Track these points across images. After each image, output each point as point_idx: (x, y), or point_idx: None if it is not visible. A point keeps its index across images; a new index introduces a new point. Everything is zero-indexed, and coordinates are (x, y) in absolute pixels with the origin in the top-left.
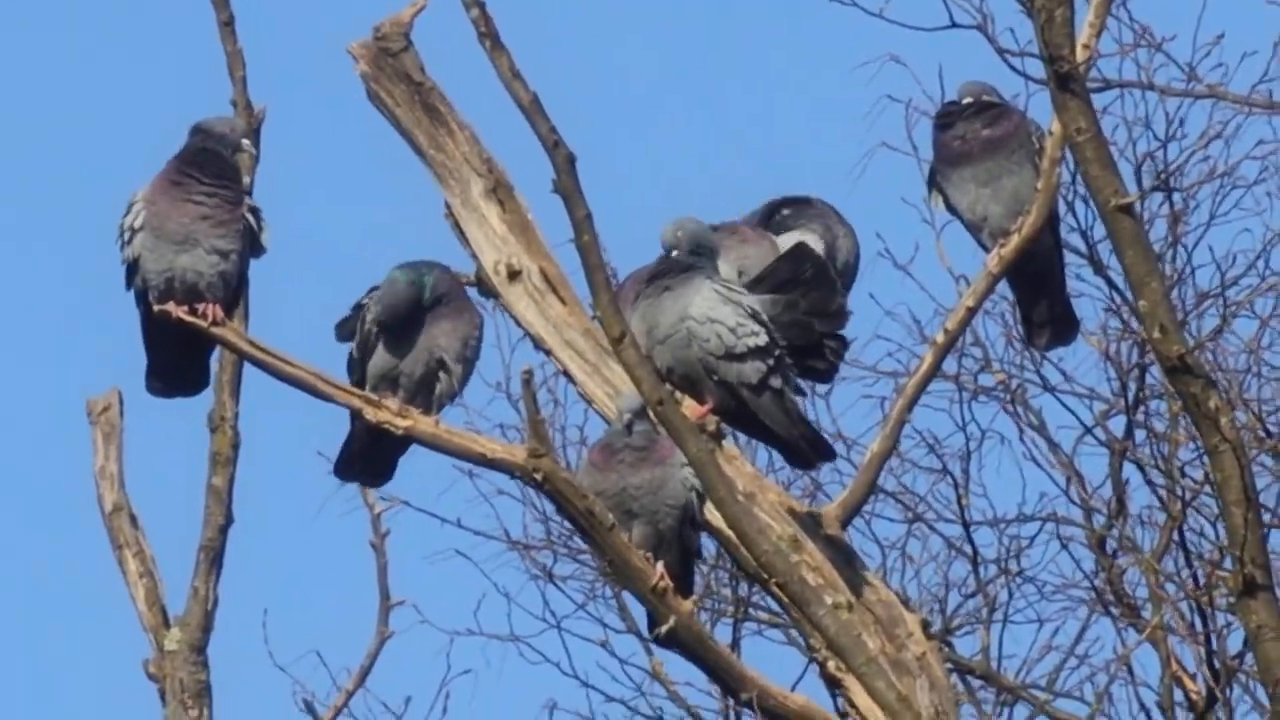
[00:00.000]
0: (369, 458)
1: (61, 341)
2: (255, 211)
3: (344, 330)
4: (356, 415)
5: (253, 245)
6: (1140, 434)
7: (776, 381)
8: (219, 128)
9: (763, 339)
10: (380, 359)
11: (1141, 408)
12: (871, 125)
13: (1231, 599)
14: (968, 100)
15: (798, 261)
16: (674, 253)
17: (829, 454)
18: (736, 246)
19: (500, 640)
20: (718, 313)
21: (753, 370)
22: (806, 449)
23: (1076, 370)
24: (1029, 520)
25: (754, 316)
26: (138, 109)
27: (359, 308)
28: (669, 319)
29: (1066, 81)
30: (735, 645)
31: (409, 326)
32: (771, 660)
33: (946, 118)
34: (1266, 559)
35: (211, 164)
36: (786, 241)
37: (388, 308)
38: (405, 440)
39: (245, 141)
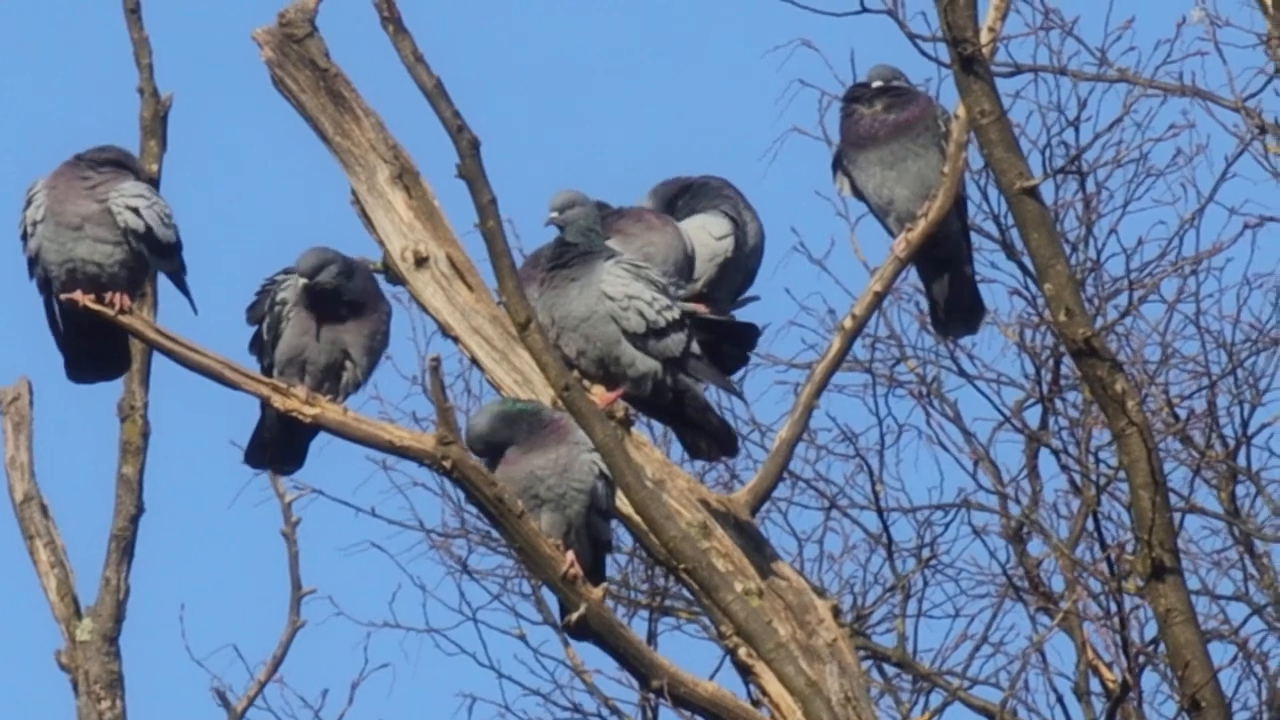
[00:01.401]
0: (279, 444)
1: None
2: (134, 209)
3: (254, 314)
4: (265, 403)
5: (151, 241)
6: (1057, 421)
7: (696, 347)
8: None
9: (675, 311)
10: (287, 343)
11: (1058, 395)
12: (784, 110)
13: (1140, 583)
14: (876, 83)
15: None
16: (562, 232)
17: (732, 446)
18: (642, 233)
19: (416, 632)
20: (633, 289)
21: (675, 342)
22: (720, 427)
23: (994, 360)
24: (944, 508)
25: (664, 290)
26: (41, 98)
27: (265, 290)
28: (583, 303)
29: (970, 64)
30: (651, 638)
31: (319, 316)
32: (689, 654)
33: (853, 100)
34: (1174, 542)
35: (109, 161)
36: (695, 225)
37: (309, 266)
38: (313, 428)
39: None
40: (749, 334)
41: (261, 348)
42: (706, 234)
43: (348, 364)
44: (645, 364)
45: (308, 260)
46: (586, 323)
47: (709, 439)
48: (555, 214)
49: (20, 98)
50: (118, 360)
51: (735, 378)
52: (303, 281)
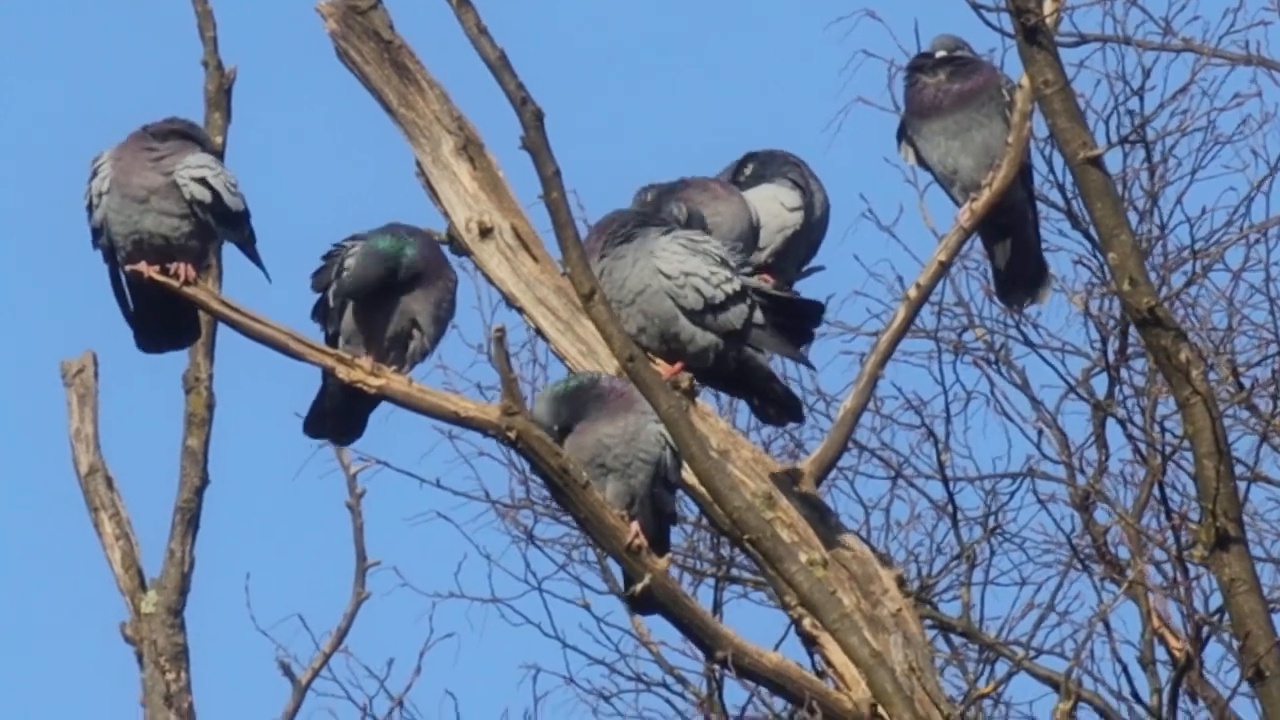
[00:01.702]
0: (340, 415)
1: (34, 303)
2: (201, 180)
3: (319, 281)
4: (329, 374)
5: (219, 211)
6: (1123, 391)
7: (759, 318)
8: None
9: (736, 284)
10: (353, 313)
11: (1124, 364)
12: (848, 81)
13: (1205, 553)
14: (940, 53)
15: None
16: None
17: (798, 413)
18: (708, 203)
19: (481, 602)
20: (690, 265)
21: (736, 315)
22: (785, 395)
23: (1061, 329)
24: (1010, 477)
25: (723, 263)
26: (106, 70)
27: (332, 255)
28: (638, 278)
29: (1033, 34)
30: (717, 608)
31: (382, 295)
32: (755, 623)
33: (917, 70)
34: (1239, 512)
35: (175, 133)
36: (765, 195)
37: (359, 280)
38: (376, 398)
39: None
40: (814, 310)
41: (326, 315)
42: (778, 204)
43: (415, 333)
44: (705, 339)
45: (358, 275)
46: (642, 297)
47: (776, 406)
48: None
49: (86, 71)
50: (188, 330)
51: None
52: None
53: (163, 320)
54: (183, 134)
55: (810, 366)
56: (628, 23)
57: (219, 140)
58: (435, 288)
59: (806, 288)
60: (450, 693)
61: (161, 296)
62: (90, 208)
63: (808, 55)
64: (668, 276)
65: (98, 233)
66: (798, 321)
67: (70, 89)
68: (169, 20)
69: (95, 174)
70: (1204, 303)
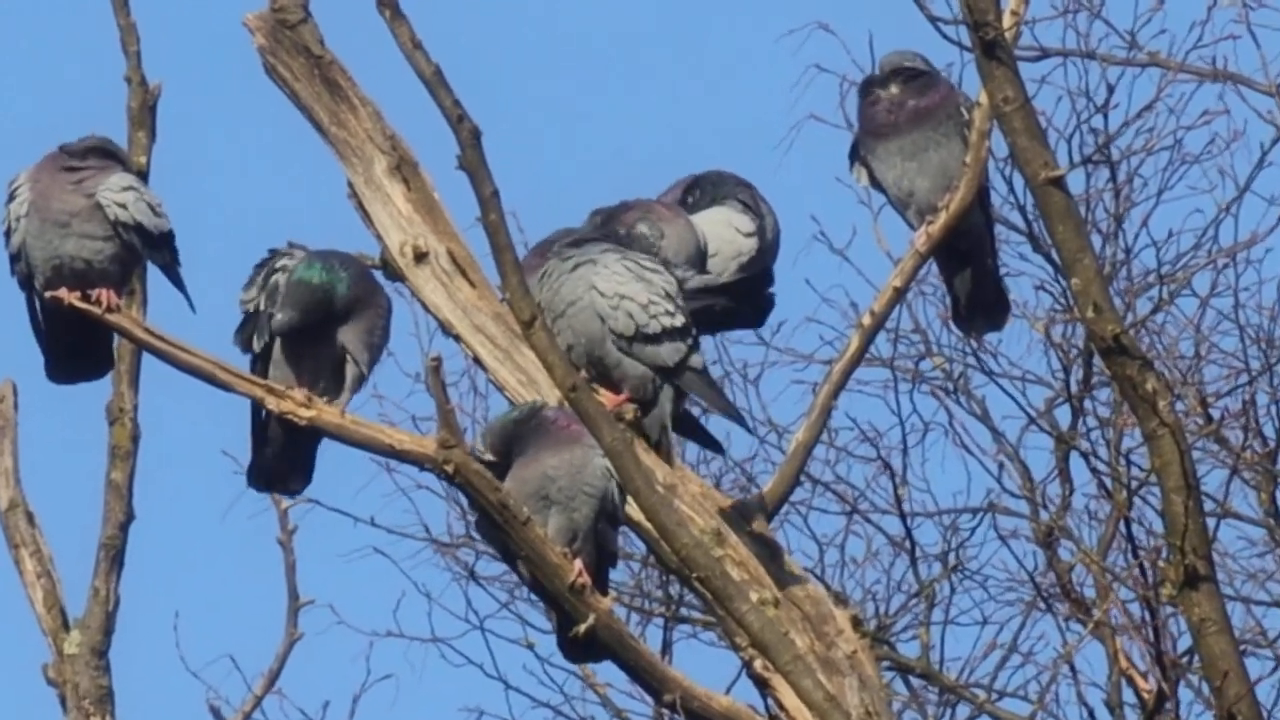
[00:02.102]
0: (282, 458)
1: None
2: (123, 204)
3: (243, 337)
4: (259, 405)
5: (143, 234)
6: (1087, 422)
7: (697, 361)
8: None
9: (679, 320)
10: (281, 347)
11: (1088, 394)
12: (800, 97)
13: (1174, 591)
14: (892, 69)
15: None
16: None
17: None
18: (655, 223)
19: (421, 642)
20: (628, 289)
21: (670, 351)
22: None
23: (1022, 357)
24: (970, 512)
25: (668, 296)
26: (23, 87)
27: (263, 265)
28: (571, 290)
29: (992, 49)
30: (666, 648)
31: (316, 329)
32: (705, 664)
33: (871, 86)
34: (1209, 549)
35: (95, 150)
36: (717, 219)
37: (290, 321)
38: (317, 436)
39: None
40: (762, 285)
41: (250, 337)
42: (732, 229)
43: (348, 362)
44: (633, 368)
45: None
46: (573, 309)
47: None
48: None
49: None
50: (100, 360)
51: (752, 377)
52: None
53: (78, 350)
54: (103, 152)
55: (743, 425)
56: (570, 32)
57: (142, 160)
58: (368, 315)
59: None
60: None
61: (80, 325)
62: (7, 233)
63: (758, 69)
64: (601, 294)
65: (15, 259)
66: (748, 304)
67: None
68: (89, 34)
69: (12, 197)
70: (1171, 330)
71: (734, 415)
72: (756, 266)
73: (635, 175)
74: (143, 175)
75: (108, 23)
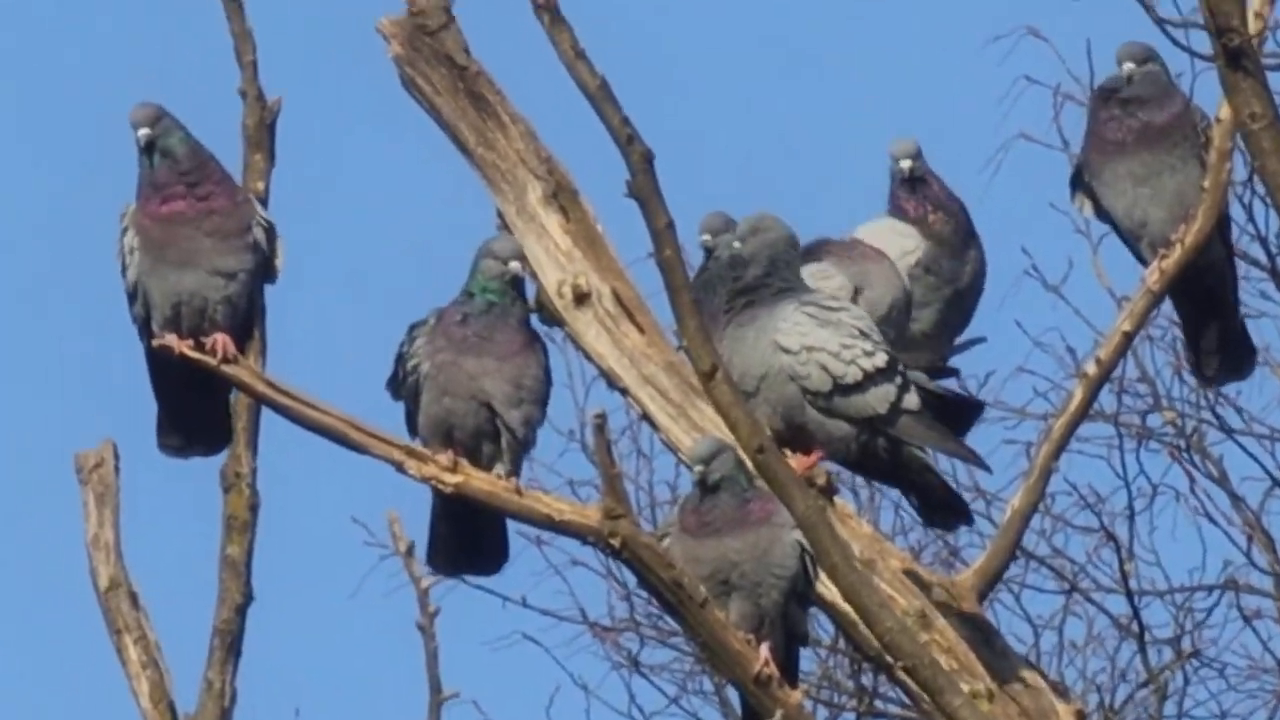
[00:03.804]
0: (461, 535)
1: (46, 385)
2: (268, 229)
3: (397, 387)
4: (398, 469)
5: (264, 271)
6: None
7: (912, 402)
8: (499, 249)
9: (880, 358)
10: (427, 413)
11: None
12: (1008, 112)
13: None
14: (1127, 66)
15: None
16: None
17: (965, 513)
18: (857, 260)
19: None
20: (814, 338)
21: (878, 398)
22: (944, 492)
23: (1265, 411)
24: (1206, 590)
25: (863, 334)
26: (125, 103)
27: (400, 358)
28: (759, 358)
29: (1237, 58)
30: None
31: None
32: None
33: (1102, 99)
34: None
35: (203, 168)
36: (877, 224)
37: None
38: (499, 510)
39: (514, 264)
40: (970, 414)
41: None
42: (895, 233)
43: (498, 423)
44: (840, 429)
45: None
46: (765, 383)
47: (936, 505)
48: (738, 243)
49: (103, 109)
50: (214, 432)
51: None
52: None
53: (189, 416)
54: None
55: (984, 467)
56: (753, 41)
57: (260, 185)
58: (513, 363)
59: (963, 363)
60: None
61: (192, 384)
62: (124, 269)
63: (960, 81)
64: (786, 351)
65: (132, 299)
66: (950, 425)
67: (83, 130)
68: (198, 43)
69: (128, 229)
70: None
71: (971, 457)
72: (952, 306)
73: (825, 201)
74: (261, 202)
75: (220, 30)
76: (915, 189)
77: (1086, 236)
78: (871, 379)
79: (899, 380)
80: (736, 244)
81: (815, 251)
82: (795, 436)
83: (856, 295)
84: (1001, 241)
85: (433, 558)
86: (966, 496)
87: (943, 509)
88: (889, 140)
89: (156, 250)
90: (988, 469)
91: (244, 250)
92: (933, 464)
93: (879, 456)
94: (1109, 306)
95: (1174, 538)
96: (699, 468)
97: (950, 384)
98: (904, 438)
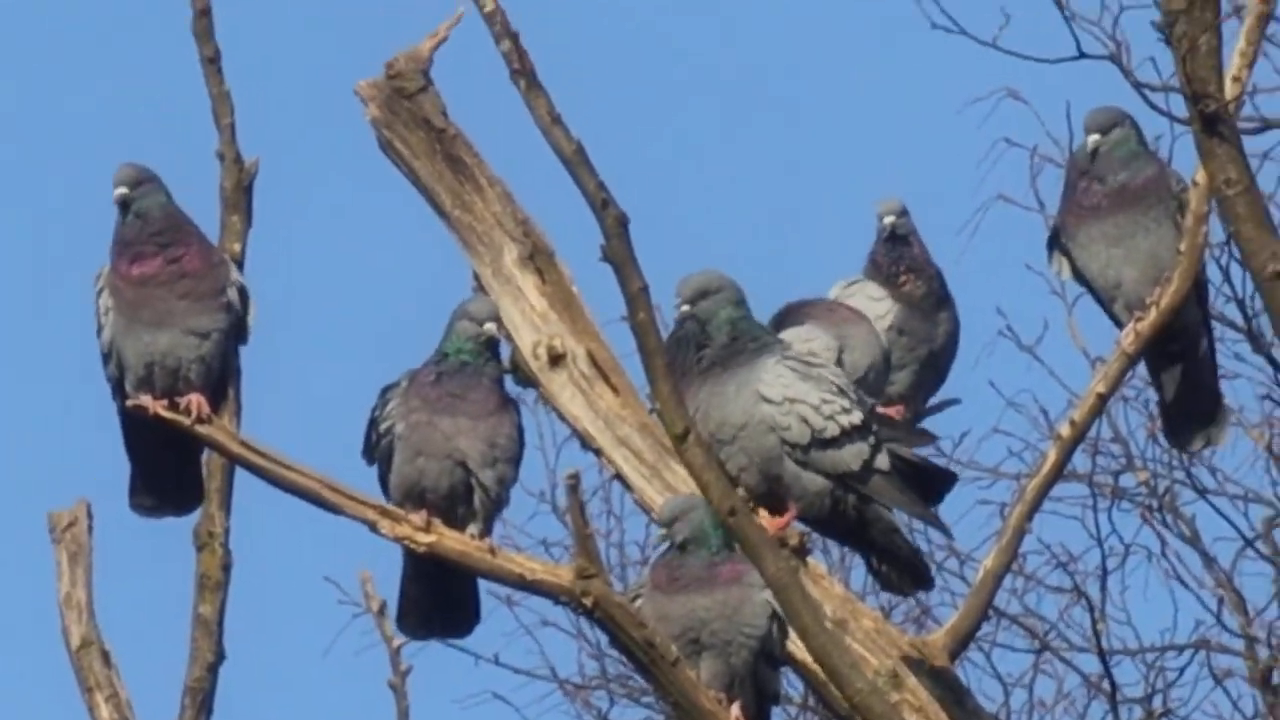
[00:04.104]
0: (432, 595)
1: (20, 444)
2: (242, 290)
3: (370, 451)
4: (372, 529)
5: (238, 332)
6: None
7: (883, 462)
8: (475, 310)
9: (856, 415)
10: (399, 474)
11: None
12: (987, 174)
13: None
14: (1092, 139)
15: None
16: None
17: (926, 579)
18: (838, 324)
19: None
20: (796, 390)
21: (852, 455)
22: (910, 555)
23: (1238, 471)
24: (1178, 649)
25: (841, 392)
26: (100, 166)
27: (374, 421)
28: (740, 408)
29: (1213, 123)
30: None
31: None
32: None
33: (1076, 164)
34: None
35: (177, 230)
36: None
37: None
38: (472, 571)
39: (489, 325)
40: (942, 483)
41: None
42: (868, 298)
43: (472, 482)
44: (814, 483)
45: None
46: (744, 432)
47: (898, 568)
48: (686, 306)
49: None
50: (186, 493)
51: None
52: None
53: (161, 477)
54: (169, 219)
55: (944, 531)
56: (727, 102)
57: (236, 247)
58: (486, 423)
59: (936, 424)
60: None
61: (165, 444)
62: (99, 330)
63: (938, 142)
64: (769, 402)
65: (106, 358)
66: (922, 492)
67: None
68: (175, 104)
69: (102, 290)
70: None
71: (934, 521)
72: (927, 366)
73: (800, 265)
74: (238, 264)
75: (198, 91)
76: (895, 247)
77: (1062, 298)
78: (848, 435)
79: (872, 440)
80: (685, 307)
81: (796, 314)
82: (769, 491)
83: (840, 356)
84: (977, 302)
85: (403, 621)
86: (939, 556)
87: (906, 572)
88: (876, 199)
89: (130, 311)
90: (949, 535)
91: (218, 310)
92: (899, 526)
93: (848, 515)
94: (1084, 368)
95: (1145, 597)
96: (662, 530)
97: (927, 451)
98: (874, 496)
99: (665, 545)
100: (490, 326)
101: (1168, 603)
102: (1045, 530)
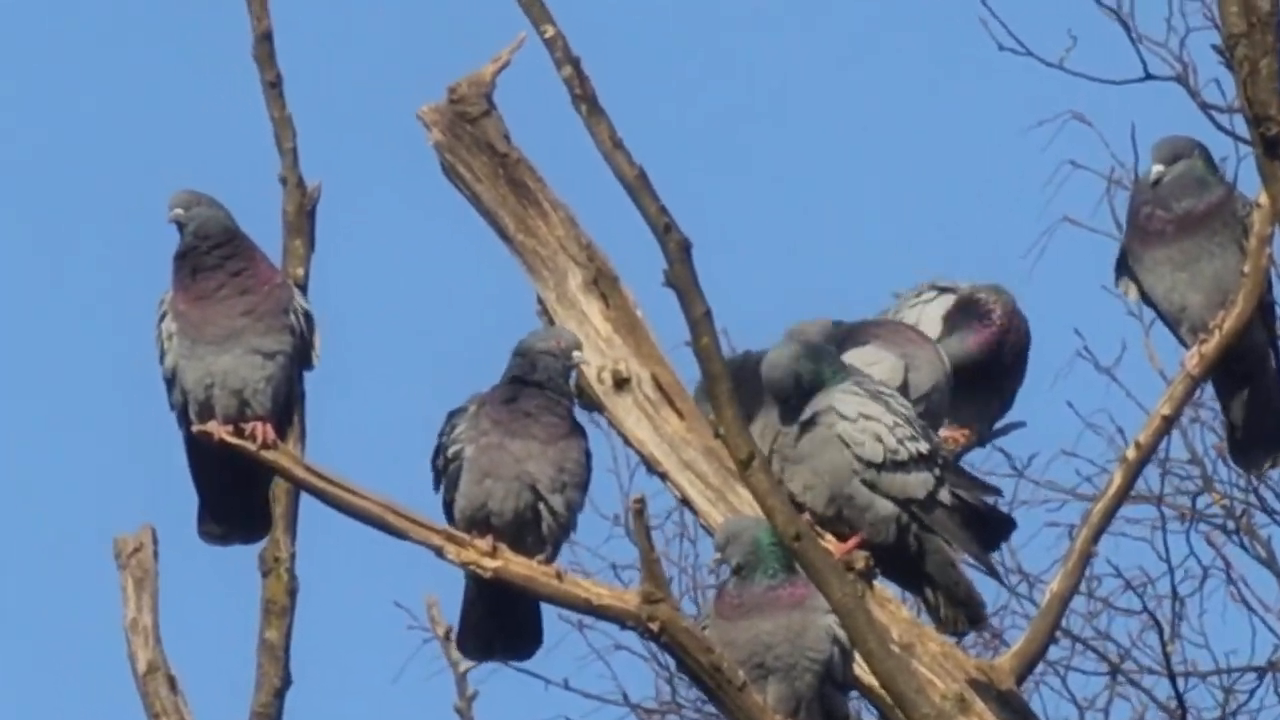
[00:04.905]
0: (497, 620)
1: (84, 469)
2: (307, 316)
3: (437, 476)
4: (437, 554)
5: (302, 356)
6: None
7: (946, 496)
8: (541, 345)
9: (924, 445)
10: (465, 498)
11: None
12: (1053, 197)
13: None
14: (1156, 169)
15: None
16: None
17: (980, 617)
18: (902, 344)
19: None
20: (870, 409)
21: (919, 482)
22: (967, 592)
23: None
24: (1252, 672)
25: (908, 420)
26: (162, 190)
27: (438, 449)
28: (810, 434)
29: (1274, 146)
30: None
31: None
32: None
33: (1140, 188)
34: None
35: (238, 249)
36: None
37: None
38: (534, 594)
39: (577, 354)
40: (1001, 528)
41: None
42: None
43: (542, 509)
44: (884, 507)
45: None
46: (813, 451)
47: (954, 605)
48: (718, 554)
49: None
50: (254, 519)
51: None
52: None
53: (229, 504)
54: (228, 238)
55: (999, 579)
56: (792, 127)
57: (299, 272)
58: (555, 447)
59: (1006, 445)
60: None
61: (231, 470)
62: (161, 355)
63: (1004, 166)
64: (844, 418)
65: (170, 385)
66: (980, 534)
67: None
68: (237, 129)
69: (166, 314)
70: None
71: (987, 566)
72: (992, 391)
73: (864, 288)
74: (301, 288)
75: (259, 116)
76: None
77: (1139, 319)
78: (915, 462)
79: (937, 472)
80: (716, 554)
81: (862, 333)
82: (835, 515)
83: (906, 376)
84: (1053, 324)
85: (464, 642)
86: (1010, 580)
87: (961, 609)
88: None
89: (194, 331)
90: (1001, 580)
91: (282, 330)
92: (958, 561)
93: (910, 545)
94: (1160, 389)
95: (1222, 620)
96: (716, 554)
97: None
98: (936, 529)
99: (722, 569)
100: (577, 355)
101: (1242, 627)
102: (1120, 555)
